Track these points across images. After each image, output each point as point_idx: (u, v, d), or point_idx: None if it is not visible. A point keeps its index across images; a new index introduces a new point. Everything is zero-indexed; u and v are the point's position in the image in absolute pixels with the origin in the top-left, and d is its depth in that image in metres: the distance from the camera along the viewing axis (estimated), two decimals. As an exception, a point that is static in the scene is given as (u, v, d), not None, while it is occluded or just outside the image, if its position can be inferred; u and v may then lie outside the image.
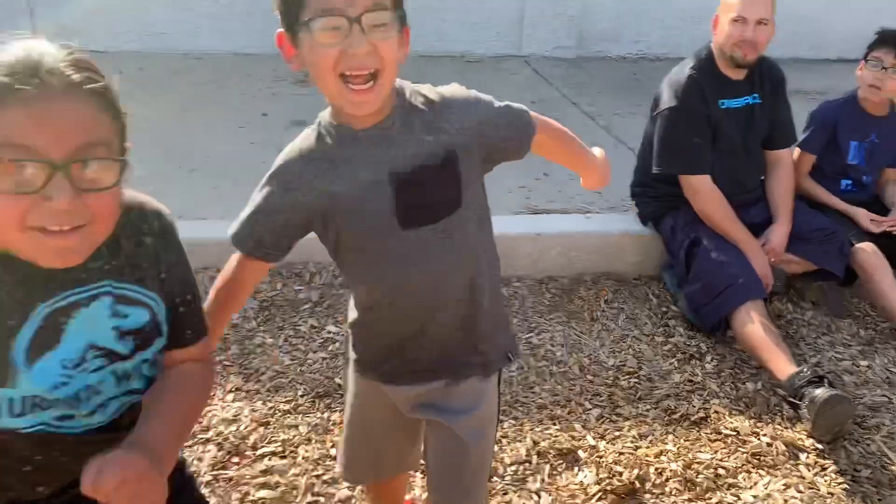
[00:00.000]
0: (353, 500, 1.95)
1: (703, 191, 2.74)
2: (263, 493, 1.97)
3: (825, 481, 2.13)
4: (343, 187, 1.23)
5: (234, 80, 4.99)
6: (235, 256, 1.34)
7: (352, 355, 1.46)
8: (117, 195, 0.98)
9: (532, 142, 1.40)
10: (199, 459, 2.05)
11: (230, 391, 2.32)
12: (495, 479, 2.07)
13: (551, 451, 2.18)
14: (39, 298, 0.98)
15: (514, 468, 2.11)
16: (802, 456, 2.22)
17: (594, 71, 5.79)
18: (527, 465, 2.13)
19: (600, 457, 2.17)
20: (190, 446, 2.09)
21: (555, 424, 2.29)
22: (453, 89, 1.31)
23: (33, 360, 0.98)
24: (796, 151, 3.03)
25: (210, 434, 2.13)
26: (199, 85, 4.92)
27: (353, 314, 1.43)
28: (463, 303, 1.34)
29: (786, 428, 2.31)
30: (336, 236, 1.27)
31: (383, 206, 1.23)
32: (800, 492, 2.08)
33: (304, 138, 1.28)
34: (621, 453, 2.19)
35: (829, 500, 2.06)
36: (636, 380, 2.52)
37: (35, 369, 0.97)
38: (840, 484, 2.12)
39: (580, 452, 2.18)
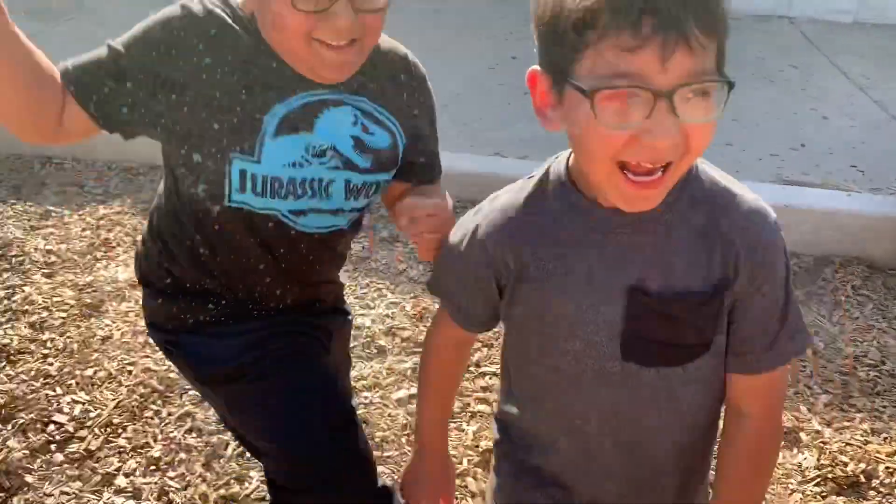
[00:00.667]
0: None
1: None
2: (482, 406, 2.12)
3: None
4: (561, 277, 0.93)
5: (487, 22, 5.14)
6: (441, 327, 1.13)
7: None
8: (384, 14, 1.08)
9: (762, 371, 0.95)
10: (429, 367, 2.24)
11: (461, 312, 2.49)
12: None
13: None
14: (297, 88, 1.11)
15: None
16: None
17: (872, 39, 5.24)
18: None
19: (824, 443, 2.07)
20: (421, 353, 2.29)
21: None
22: (757, 199, 0.92)
23: (281, 134, 1.09)
24: None
25: (440, 346, 2.32)
26: (454, 27, 5.13)
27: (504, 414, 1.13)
28: (676, 469, 1.03)
29: None
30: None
31: (603, 323, 0.92)
32: None
33: (523, 194, 0.98)
34: (848, 444, 2.07)
35: None
36: (877, 373, 2.35)
37: (281, 141, 1.09)
38: None
39: (802, 435, 2.10)
